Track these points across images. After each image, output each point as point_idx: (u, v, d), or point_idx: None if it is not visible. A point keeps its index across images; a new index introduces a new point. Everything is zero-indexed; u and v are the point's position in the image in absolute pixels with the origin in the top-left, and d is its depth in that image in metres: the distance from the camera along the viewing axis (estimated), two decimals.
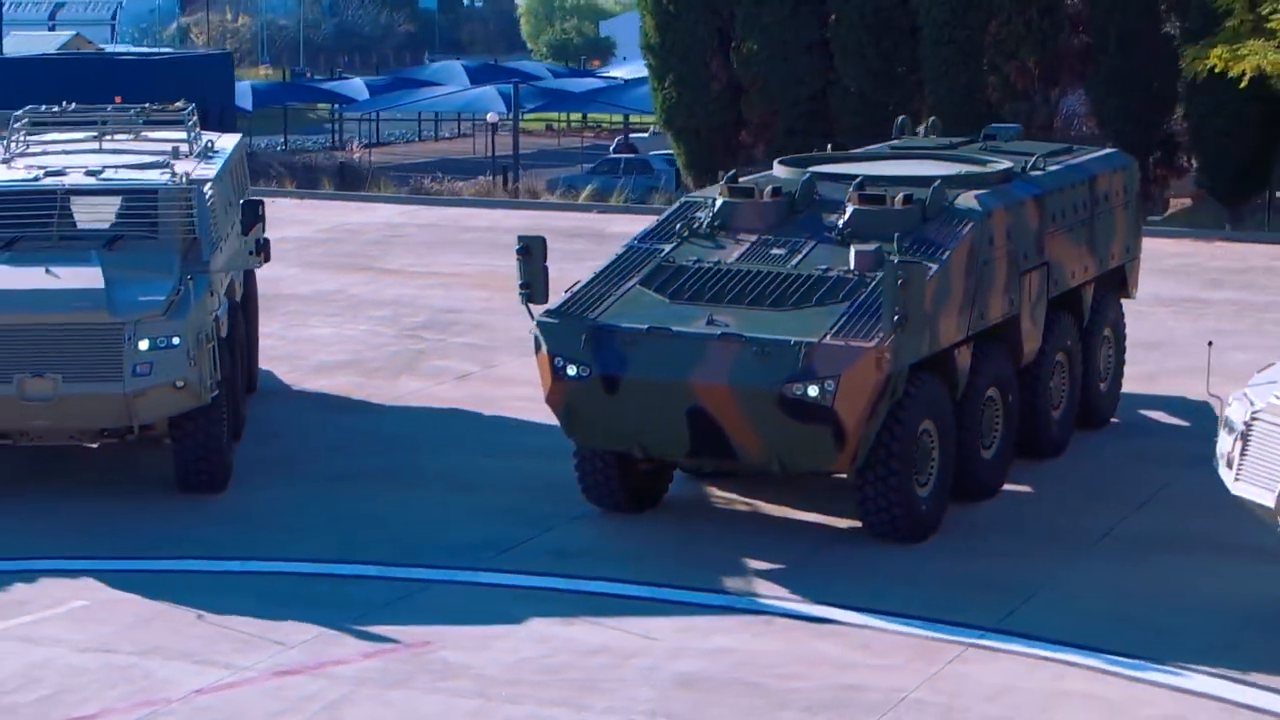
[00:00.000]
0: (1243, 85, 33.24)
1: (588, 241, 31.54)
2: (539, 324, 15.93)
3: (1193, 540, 15.97)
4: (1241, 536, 15.50)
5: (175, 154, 18.84)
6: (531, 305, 16.22)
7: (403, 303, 27.13)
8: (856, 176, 17.13)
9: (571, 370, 15.66)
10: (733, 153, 41.52)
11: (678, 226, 16.86)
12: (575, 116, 77.09)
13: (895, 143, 20.62)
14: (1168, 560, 15.48)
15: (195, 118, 20.27)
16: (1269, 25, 32.76)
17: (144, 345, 16.30)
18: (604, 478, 16.50)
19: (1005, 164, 18.04)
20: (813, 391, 14.89)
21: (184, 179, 17.65)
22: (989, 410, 16.95)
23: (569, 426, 16.00)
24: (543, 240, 16.38)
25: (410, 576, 15.16)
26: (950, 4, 38.27)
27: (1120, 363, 20.10)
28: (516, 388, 21.39)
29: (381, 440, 19.51)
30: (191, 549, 15.81)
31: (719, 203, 16.88)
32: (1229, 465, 13.39)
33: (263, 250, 17.29)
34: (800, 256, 16.16)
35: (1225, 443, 13.54)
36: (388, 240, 33.87)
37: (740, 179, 17.68)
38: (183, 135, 19.80)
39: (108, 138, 19.75)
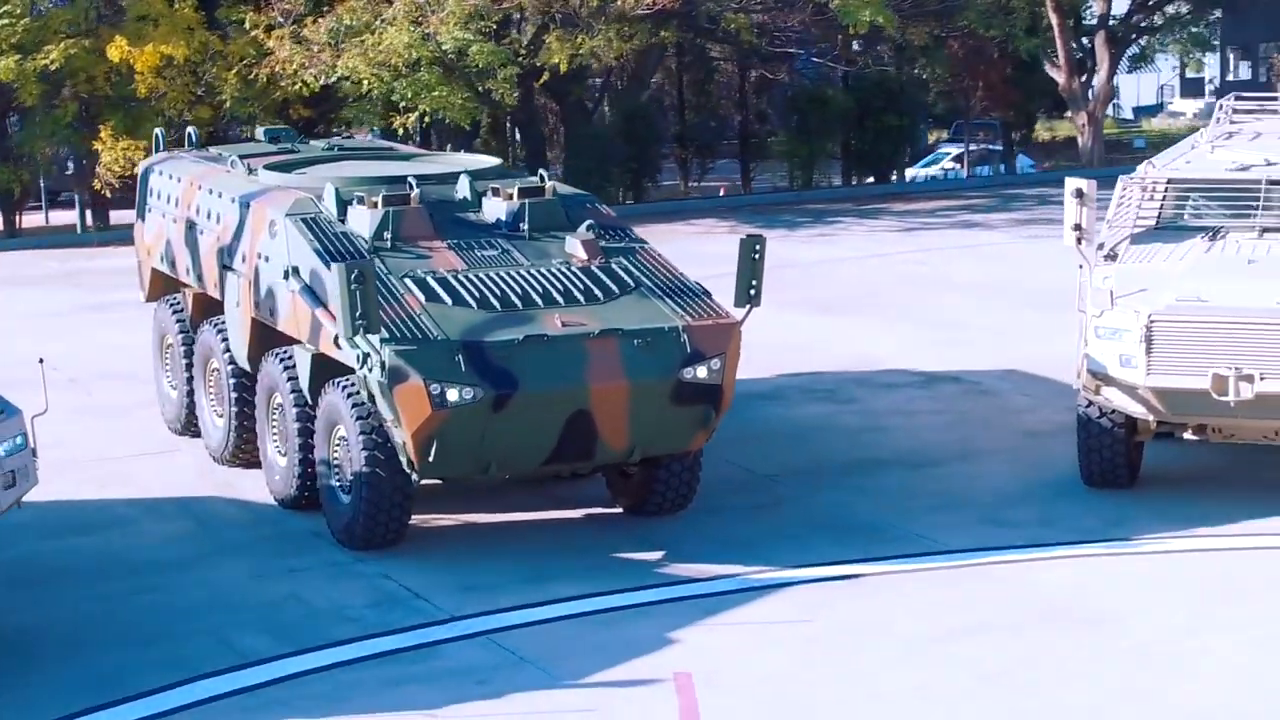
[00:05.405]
0: None
1: None
2: (400, 353, 14.59)
3: (857, 460, 18.52)
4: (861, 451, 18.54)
5: None
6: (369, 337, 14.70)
7: None
8: (451, 176, 17.52)
9: (453, 395, 14.64)
10: None
11: (344, 242, 15.97)
12: None
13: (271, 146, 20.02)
14: (899, 474, 17.97)
15: None
16: None
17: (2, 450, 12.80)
18: (400, 511, 15.55)
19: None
20: (702, 373, 15.39)
21: None
22: None
23: (435, 456, 14.85)
24: (373, 264, 14.87)
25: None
26: None
27: None
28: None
29: None
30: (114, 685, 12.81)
31: (383, 212, 16.16)
32: (1131, 365, 15.86)
33: None
34: (517, 255, 16.17)
35: (1107, 350, 15.99)
36: None
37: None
38: None
39: None
